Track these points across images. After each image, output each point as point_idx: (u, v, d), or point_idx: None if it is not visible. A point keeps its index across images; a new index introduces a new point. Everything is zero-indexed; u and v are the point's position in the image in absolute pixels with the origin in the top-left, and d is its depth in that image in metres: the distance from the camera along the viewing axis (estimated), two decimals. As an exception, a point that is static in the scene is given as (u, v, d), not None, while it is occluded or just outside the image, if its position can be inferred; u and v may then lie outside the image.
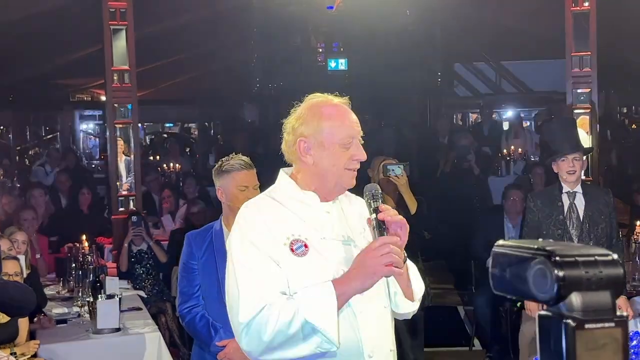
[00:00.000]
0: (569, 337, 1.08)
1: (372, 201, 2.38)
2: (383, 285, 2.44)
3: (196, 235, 3.86)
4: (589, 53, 7.53)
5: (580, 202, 5.11)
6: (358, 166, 2.48)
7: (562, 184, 5.13)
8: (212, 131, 19.07)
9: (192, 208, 7.84)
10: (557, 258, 1.10)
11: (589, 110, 7.60)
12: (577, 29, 7.54)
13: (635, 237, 6.13)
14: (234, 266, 2.37)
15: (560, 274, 1.09)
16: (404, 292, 2.50)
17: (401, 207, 5.38)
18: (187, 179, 10.60)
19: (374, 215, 2.35)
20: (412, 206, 5.31)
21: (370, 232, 2.40)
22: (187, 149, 16.07)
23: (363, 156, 2.47)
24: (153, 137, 18.77)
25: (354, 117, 2.49)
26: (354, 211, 2.54)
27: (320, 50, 15.39)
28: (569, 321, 1.08)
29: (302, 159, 2.45)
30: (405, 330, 5.40)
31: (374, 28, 11.96)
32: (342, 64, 14.42)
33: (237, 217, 2.45)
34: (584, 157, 5.26)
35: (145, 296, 6.43)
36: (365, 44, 13.38)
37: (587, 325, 1.07)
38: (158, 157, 13.75)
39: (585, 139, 7.32)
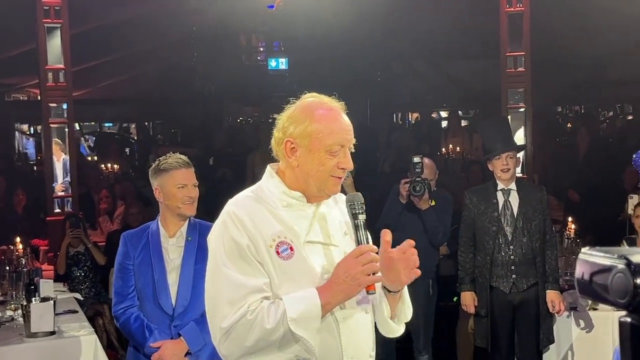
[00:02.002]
0: None
1: (357, 212, 2.39)
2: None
3: (132, 235, 3.83)
4: (523, 53, 7.69)
5: (514, 199, 5.21)
6: (344, 174, 2.42)
7: (497, 181, 5.23)
8: (152, 131, 18.83)
9: (129, 209, 7.73)
10: (636, 266, 1.14)
11: (523, 109, 7.76)
12: (512, 29, 7.69)
13: (568, 232, 6.29)
14: (217, 266, 2.33)
15: (639, 281, 1.13)
16: (391, 309, 2.46)
17: None
18: (125, 179, 10.46)
19: (357, 221, 2.37)
20: None
21: (351, 237, 2.42)
22: (127, 149, 15.86)
23: (350, 165, 2.40)
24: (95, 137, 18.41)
25: (347, 123, 2.41)
26: (337, 213, 2.51)
27: (261, 49, 15.38)
28: None
29: (287, 160, 2.40)
30: None
31: (314, 27, 11.97)
32: (282, 63, 14.45)
33: (223, 215, 2.39)
34: (518, 155, 5.37)
35: (82, 299, 6.32)
36: (306, 43, 13.38)
37: None
38: (96, 158, 13.53)
39: (520, 138, 7.48)
